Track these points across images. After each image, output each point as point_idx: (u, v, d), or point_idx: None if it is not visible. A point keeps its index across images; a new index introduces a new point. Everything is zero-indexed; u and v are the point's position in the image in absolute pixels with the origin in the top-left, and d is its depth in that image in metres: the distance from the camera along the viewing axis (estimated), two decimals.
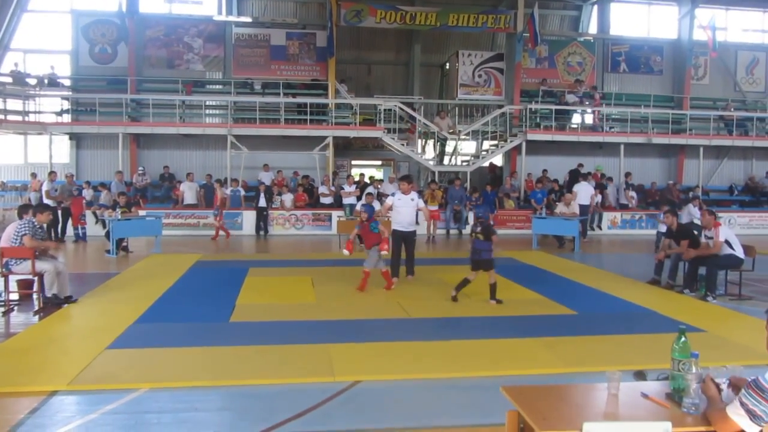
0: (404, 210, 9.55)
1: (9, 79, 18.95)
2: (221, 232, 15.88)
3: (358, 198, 15.76)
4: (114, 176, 17.21)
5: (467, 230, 17.18)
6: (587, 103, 20.73)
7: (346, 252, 8.83)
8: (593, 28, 23.03)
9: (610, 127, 20.55)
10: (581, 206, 15.49)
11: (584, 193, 15.91)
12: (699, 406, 2.75)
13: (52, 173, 16.17)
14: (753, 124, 21.10)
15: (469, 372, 5.41)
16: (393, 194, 10.12)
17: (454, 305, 8.09)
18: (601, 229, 17.95)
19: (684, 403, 2.77)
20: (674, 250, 9.40)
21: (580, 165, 19.36)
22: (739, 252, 8.71)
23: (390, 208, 9.72)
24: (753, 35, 23.73)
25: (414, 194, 9.74)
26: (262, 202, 16.36)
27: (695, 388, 2.77)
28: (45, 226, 8.63)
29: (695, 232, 9.78)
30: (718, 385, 2.79)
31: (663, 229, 10.77)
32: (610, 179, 19.35)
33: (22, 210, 8.17)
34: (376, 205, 14.61)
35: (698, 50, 21.89)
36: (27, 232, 7.68)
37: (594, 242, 16.14)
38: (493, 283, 8.17)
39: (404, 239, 9.62)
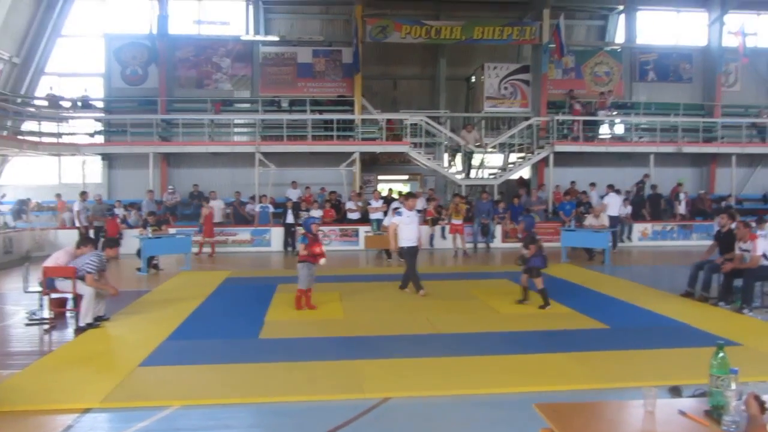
0: (411, 226, 9.82)
1: (44, 102, 19.48)
2: (206, 249, 15.89)
3: (385, 213, 15.76)
4: (145, 195, 17.48)
5: (494, 243, 17.09)
6: (615, 113, 20.51)
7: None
8: (620, 38, 22.80)
9: (640, 137, 20.27)
10: (611, 218, 15.44)
11: (614, 204, 15.87)
12: (740, 423, 2.66)
13: (83, 193, 16.51)
14: None
15: (500, 388, 5.34)
16: (398, 211, 10.25)
17: (483, 320, 8.01)
18: (631, 240, 17.65)
19: (724, 421, 2.69)
20: (718, 260, 9.18)
21: (646, 176, 19.40)
22: None
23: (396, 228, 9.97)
24: None
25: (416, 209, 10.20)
26: (290, 219, 16.45)
27: (735, 405, 2.69)
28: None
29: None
30: (762, 403, 2.70)
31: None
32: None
33: (82, 242, 8.21)
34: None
35: (729, 56, 21.50)
36: (94, 270, 7.64)
37: (624, 254, 15.88)
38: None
39: (413, 254, 9.87)
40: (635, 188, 19.25)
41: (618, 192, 16.69)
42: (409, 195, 10.47)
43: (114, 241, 8.40)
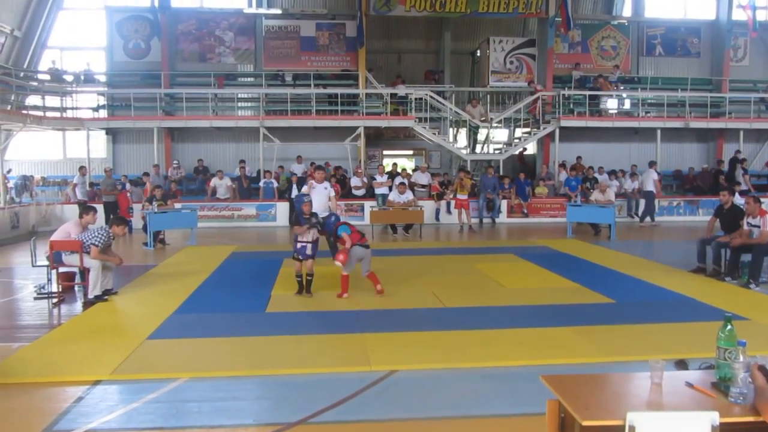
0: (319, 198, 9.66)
1: (47, 77, 19.40)
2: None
3: (390, 188, 15.74)
4: (151, 169, 17.44)
5: (500, 219, 17.08)
6: (622, 87, 20.34)
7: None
8: (627, 11, 22.52)
9: (646, 112, 20.12)
10: (646, 192, 16.36)
11: (649, 180, 16.49)
12: (747, 395, 2.67)
13: (82, 168, 16.51)
14: None
15: (506, 361, 5.37)
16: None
17: (488, 294, 8.03)
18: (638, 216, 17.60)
19: (731, 393, 2.70)
20: (722, 239, 9.14)
21: (738, 152, 19.58)
22: None
23: None
24: None
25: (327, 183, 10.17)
26: (295, 193, 16.43)
27: (743, 377, 2.70)
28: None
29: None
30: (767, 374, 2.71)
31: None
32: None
33: (84, 211, 8.21)
34: (408, 194, 14.65)
35: (737, 30, 21.22)
36: (99, 243, 7.63)
37: (630, 230, 15.86)
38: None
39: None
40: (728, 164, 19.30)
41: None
42: (318, 168, 10.62)
43: (122, 220, 8.40)
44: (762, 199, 9.45)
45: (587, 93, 19.36)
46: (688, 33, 22.11)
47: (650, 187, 16.59)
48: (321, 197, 9.72)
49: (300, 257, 7.86)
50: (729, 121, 20.15)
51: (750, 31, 20.22)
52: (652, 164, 17.41)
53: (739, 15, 20.65)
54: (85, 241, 7.62)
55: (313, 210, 9.32)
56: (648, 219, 16.61)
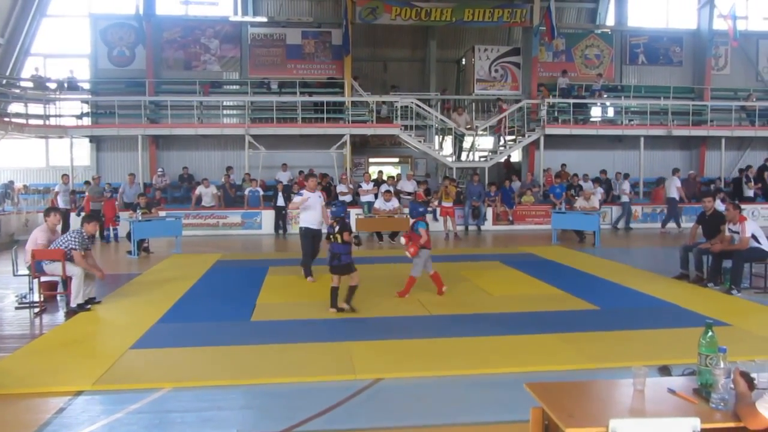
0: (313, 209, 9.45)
1: (30, 84, 19.22)
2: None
3: (376, 196, 15.75)
4: (126, 178, 16.97)
5: (485, 226, 17.14)
6: (605, 96, 20.55)
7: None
8: (611, 20, 22.76)
9: (630, 120, 20.31)
10: (669, 199, 16.78)
11: (672, 187, 16.89)
12: (728, 401, 2.70)
13: (64, 176, 16.36)
14: None
15: (491, 368, 5.38)
16: (299, 192, 9.94)
17: (474, 302, 8.05)
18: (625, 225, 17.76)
19: (712, 399, 2.73)
20: (704, 245, 9.24)
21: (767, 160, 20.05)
22: (765, 245, 8.55)
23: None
24: None
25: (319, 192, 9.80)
26: (281, 202, 16.40)
27: (723, 383, 2.73)
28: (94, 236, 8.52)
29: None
30: (749, 381, 2.74)
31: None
32: None
33: (46, 213, 8.18)
34: (394, 201, 14.64)
35: (719, 40, 21.54)
36: (77, 246, 7.58)
37: (615, 237, 15.98)
38: (354, 286, 7.47)
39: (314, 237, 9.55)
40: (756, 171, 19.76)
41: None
42: (309, 175, 10.13)
43: (92, 217, 8.33)
44: (742, 206, 9.57)
45: (572, 101, 19.51)
46: (670, 42, 22.40)
47: (673, 193, 16.93)
48: (317, 207, 9.47)
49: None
50: (711, 129, 20.40)
51: (731, 40, 20.57)
52: (675, 171, 17.83)
53: (720, 25, 21.00)
54: (65, 248, 7.55)
55: (309, 223, 9.36)
56: (672, 224, 17.12)
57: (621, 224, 17.63)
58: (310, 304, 7.89)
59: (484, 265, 11.03)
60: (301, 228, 9.59)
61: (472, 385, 5.04)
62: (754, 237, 8.52)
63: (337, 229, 7.36)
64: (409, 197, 16.69)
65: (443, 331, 6.55)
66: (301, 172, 18.50)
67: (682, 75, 22.32)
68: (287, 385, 5.04)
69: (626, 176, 18.17)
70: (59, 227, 8.39)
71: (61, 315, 7.57)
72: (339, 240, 7.33)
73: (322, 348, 5.97)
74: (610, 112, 20.97)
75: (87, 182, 16.42)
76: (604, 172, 19.00)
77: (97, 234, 15.22)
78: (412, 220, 8.51)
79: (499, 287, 8.99)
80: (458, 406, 4.62)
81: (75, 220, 14.77)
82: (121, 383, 5.06)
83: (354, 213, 16.36)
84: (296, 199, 9.80)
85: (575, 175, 18.26)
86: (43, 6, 20.12)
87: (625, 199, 17.48)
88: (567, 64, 21.65)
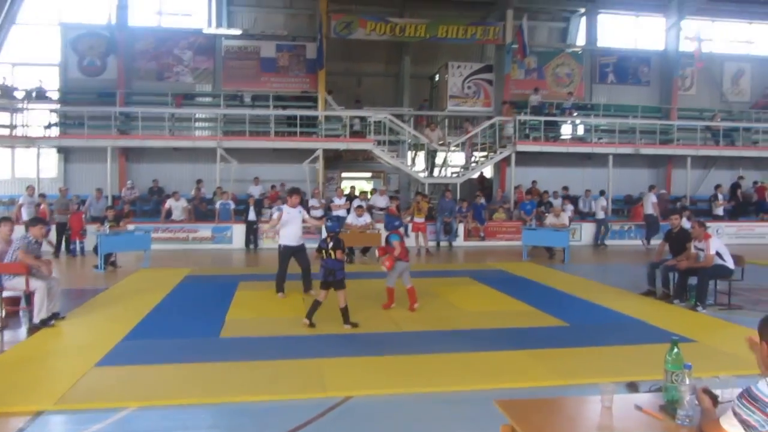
0: (294, 224, 9.26)
1: None
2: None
3: (348, 210, 15.73)
4: (93, 192, 16.64)
5: (457, 242, 17.22)
6: (576, 114, 20.91)
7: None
8: (581, 40, 23.22)
9: (599, 138, 20.67)
10: (646, 215, 17.02)
11: (649, 203, 17.14)
12: (693, 417, 2.74)
13: (29, 187, 16.02)
14: (739, 134, 21.31)
15: (462, 385, 5.38)
16: (279, 207, 9.74)
17: (445, 318, 8.05)
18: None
19: (678, 415, 2.76)
20: (670, 262, 9.40)
21: (741, 177, 20.73)
22: (729, 262, 8.75)
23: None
24: (738, 46, 24.06)
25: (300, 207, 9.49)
26: (252, 216, 16.27)
27: (689, 400, 2.77)
28: (41, 240, 8.30)
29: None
30: (714, 397, 2.78)
31: None
32: None
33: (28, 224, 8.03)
34: (366, 217, 14.62)
35: (685, 61, 22.10)
36: (20, 247, 7.45)
37: (582, 253, 16.18)
38: (344, 307, 7.46)
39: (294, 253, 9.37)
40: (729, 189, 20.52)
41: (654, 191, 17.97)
42: (292, 191, 9.77)
43: (39, 220, 8.14)
44: (708, 224, 9.77)
45: (543, 119, 19.79)
46: (638, 62, 22.93)
47: (650, 210, 17.15)
48: (297, 223, 9.26)
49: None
50: (677, 148, 20.86)
51: (696, 61, 21.12)
52: (651, 188, 18.10)
53: (686, 46, 21.57)
54: (10, 253, 7.42)
55: (289, 241, 9.19)
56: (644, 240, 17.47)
57: (598, 240, 17.75)
58: (281, 320, 7.83)
59: (456, 281, 11.07)
60: (280, 245, 9.39)
61: (442, 402, 5.03)
62: (718, 254, 8.70)
63: (331, 245, 7.35)
64: (381, 212, 16.72)
65: (414, 348, 6.54)
66: (273, 186, 18.43)
67: (649, 94, 22.85)
68: (256, 403, 4.97)
69: (602, 193, 18.30)
70: (15, 237, 8.13)
71: (23, 331, 7.37)
72: (333, 256, 7.30)
73: (292, 365, 5.90)
74: (580, 130, 21.36)
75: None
76: (566, 188, 19.26)
77: (63, 246, 15.08)
78: (386, 233, 8.56)
79: (470, 303, 9.02)
80: (428, 424, 4.61)
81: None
82: (84, 402, 4.94)
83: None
84: (274, 215, 9.52)
85: (545, 192, 18.49)
86: (12, 14, 19.76)
87: (601, 215, 17.63)
88: (539, 82, 21.97)
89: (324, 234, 7.81)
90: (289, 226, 9.22)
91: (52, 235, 14.86)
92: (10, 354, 6.38)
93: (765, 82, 23.77)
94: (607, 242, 17.81)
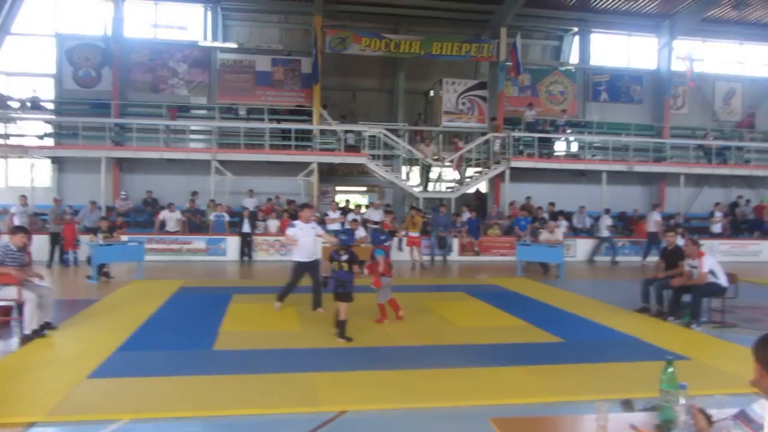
0: (306, 239, 9.11)
1: None
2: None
3: (342, 224, 15.73)
4: (87, 204, 16.51)
5: (452, 257, 17.23)
6: (569, 131, 21.05)
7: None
8: (574, 58, 23.45)
9: (593, 155, 20.81)
10: (649, 233, 17.21)
11: (652, 221, 17.33)
12: None
13: (22, 197, 15.95)
14: (731, 153, 21.51)
15: (456, 401, 5.36)
16: (292, 223, 9.57)
17: (439, 333, 8.04)
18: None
19: None
20: (664, 273, 9.44)
21: (739, 197, 21.35)
22: (723, 280, 8.79)
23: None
24: (730, 66, 24.33)
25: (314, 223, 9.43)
26: (246, 228, 16.26)
27: (684, 420, 2.77)
28: (23, 248, 8.24)
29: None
30: (708, 417, 2.79)
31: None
32: None
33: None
34: (361, 230, 14.63)
35: (677, 80, 22.34)
36: (3, 259, 7.34)
37: (577, 269, 16.22)
38: (343, 320, 7.50)
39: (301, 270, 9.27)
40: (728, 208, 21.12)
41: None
42: (304, 206, 9.70)
43: (20, 228, 8.06)
44: (702, 242, 9.83)
45: (537, 135, 19.91)
46: (631, 81, 23.16)
47: (653, 228, 17.30)
48: (310, 239, 9.08)
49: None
50: (670, 166, 21.03)
51: (688, 80, 21.36)
52: (655, 206, 18.43)
53: (678, 66, 21.81)
54: None
55: (303, 257, 9.08)
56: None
57: (606, 257, 17.97)
58: (274, 333, 7.80)
59: (450, 296, 11.07)
60: (294, 261, 9.21)
61: (436, 418, 5.02)
62: (711, 272, 8.75)
63: (344, 257, 7.40)
64: (376, 226, 16.73)
65: (408, 363, 6.52)
66: (269, 200, 18.44)
67: (642, 112, 23.05)
68: (249, 416, 4.94)
69: (607, 211, 18.38)
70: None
71: (15, 341, 7.31)
72: (345, 268, 7.35)
73: (286, 379, 5.87)
74: (574, 147, 21.51)
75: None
76: (552, 204, 19.26)
77: (57, 256, 15.00)
78: (372, 248, 8.60)
79: (464, 318, 9.02)
80: None
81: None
82: (76, 414, 4.89)
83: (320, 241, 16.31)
84: (287, 233, 9.29)
85: (539, 207, 18.56)
86: (7, 24, 19.79)
87: (605, 233, 17.82)
88: (532, 99, 22.13)
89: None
90: (301, 242, 9.02)
91: (46, 245, 14.83)
92: (2, 364, 6.32)
93: (755, 101, 24.03)
94: (597, 258, 17.90)
